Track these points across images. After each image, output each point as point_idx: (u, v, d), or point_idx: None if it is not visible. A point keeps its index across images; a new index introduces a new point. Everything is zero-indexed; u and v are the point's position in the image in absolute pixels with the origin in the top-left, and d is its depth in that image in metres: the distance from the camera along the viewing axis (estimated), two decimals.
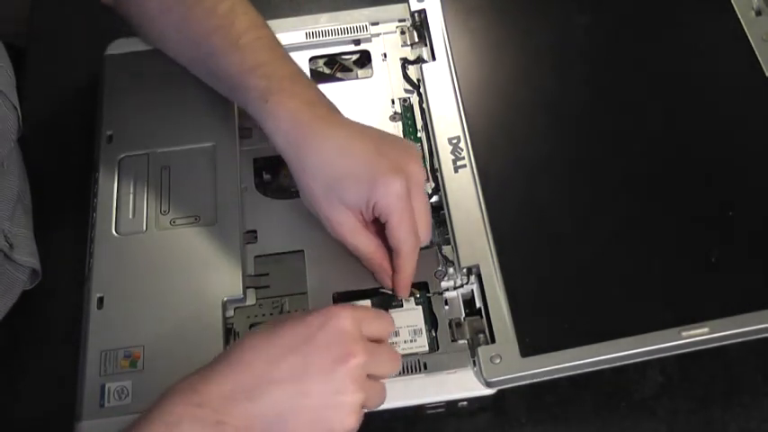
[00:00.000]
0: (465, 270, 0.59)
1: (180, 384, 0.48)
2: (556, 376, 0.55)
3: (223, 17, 0.60)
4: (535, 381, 0.55)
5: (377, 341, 0.52)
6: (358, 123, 0.59)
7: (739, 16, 0.67)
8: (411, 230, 0.56)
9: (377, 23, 0.73)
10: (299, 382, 0.48)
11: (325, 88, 0.62)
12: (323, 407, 0.48)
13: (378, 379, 0.52)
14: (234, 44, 0.59)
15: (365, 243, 0.58)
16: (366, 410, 0.51)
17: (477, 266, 0.59)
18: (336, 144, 0.56)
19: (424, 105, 0.67)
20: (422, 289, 0.60)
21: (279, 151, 0.59)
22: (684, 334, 0.54)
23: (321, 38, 0.72)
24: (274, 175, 0.67)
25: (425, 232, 0.59)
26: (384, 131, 0.61)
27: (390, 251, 0.58)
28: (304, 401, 0.48)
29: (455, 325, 0.59)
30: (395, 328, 0.56)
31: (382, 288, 0.60)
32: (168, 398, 0.47)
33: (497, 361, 0.55)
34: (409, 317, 0.59)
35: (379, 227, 0.58)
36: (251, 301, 0.60)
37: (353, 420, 0.49)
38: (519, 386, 0.55)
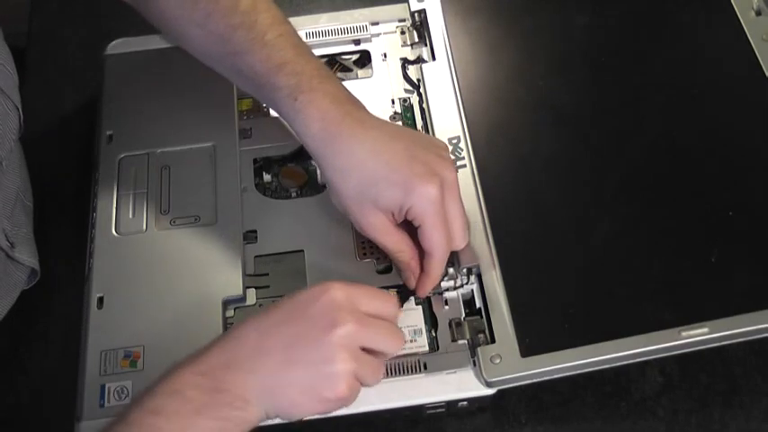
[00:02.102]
0: (465, 270, 0.59)
1: (183, 359, 0.50)
2: (556, 376, 0.55)
3: (246, 14, 0.59)
4: (535, 381, 0.55)
5: (379, 318, 0.52)
6: (388, 123, 0.59)
7: (739, 16, 0.67)
8: (444, 235, 0.56)
9: (377, 23, 0.73)
10: (289, 352, 0.49)
11: None
12: (313, 375, 0.49)
13: (376, 355, 0.52)
14: (259, 41, 0.59)
15: (395, 242, 0.57)
16: (364, 386, 0.51)
17: (477, 266, 0.59)
18: (369, 146, 0.56)
19: (424, 105, 0.67)
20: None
21: (308, 150, 0.58)
22: (684, 334, 0.54)
23: (321, 38, 0.72)
24: (274, 176, 0.67)
25: (460, 236, 0.58)
26: (416, 131, 0.61)
27: (421, 251, 0.58)
28: (295, 370, 0.49)
29: (455, 325, 0.59)
30: (398, 309, 0.55)
31: (384, 287, 0.60)
32: (173, 370, 0.49)
33: (497, 361, 0.55)
34: (409, 317, 0.59)
35: (410, 226, 0.58)
36: (251, 301, 0.60)
37: (345, 389, 0.49)
38: (519, 386, 0.55)
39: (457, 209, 0.57)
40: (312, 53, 0.60)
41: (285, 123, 0.60)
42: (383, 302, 0.53)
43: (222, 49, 0.60)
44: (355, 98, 0.59)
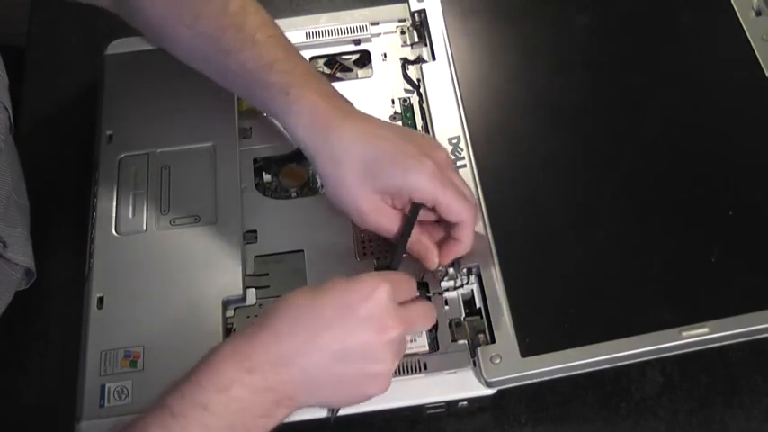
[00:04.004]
0: (465, 270, 0.59)
1: (226, 348, 0.50)
2: (556, 376, 0.55)
3: (235, 15, 0.60)
4: (535, 381, 0.55)
5: (414, 302, 0.54)
6: (374, 117, 0.59)
7: (739, 16, 0.67)
8: (463, 199, 0.56)
9: (377, 23, 0.73)
10: (340, 352, 0.50)
11: None
12: (360, 375, 0.51)
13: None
14: (249, 40, 0.60)
15: (396, 224, 0.57)
16: None
17: (478, 266, 0.59)
18: (360, 134, 0.57)
19: (424, 105, 0.67)
20: (422, 289, 0.60)
21: (300, 145, 0.58)
22: (684, 334, 0.54)
23: (321, 38, 0.72)
24: (274, 176, 0.67)
25: (473, 199, 0.59)
26: (403, 127, 0.62)
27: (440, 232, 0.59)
28: (344, 369, 0.50)
29: (455, 325, 0.59)
30: (416, 284, 0.56)
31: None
32: (218, 361, 0.49)
33: (497, 361, 0.55)
34: None
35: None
36: (251, 300, 0.60)
37: (387, 386, 0.52)
38: (519, 386, 0.55)
39: (459, 178, 0.58)
40: (301, 54, 0.61)
41: (275, 121, 0.60)
42: (410, 285, 0.55)
43: (212, 49, 0.61)
44: (343, 96, 0.60)
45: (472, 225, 0.57)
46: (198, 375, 0.49)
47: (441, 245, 0.59)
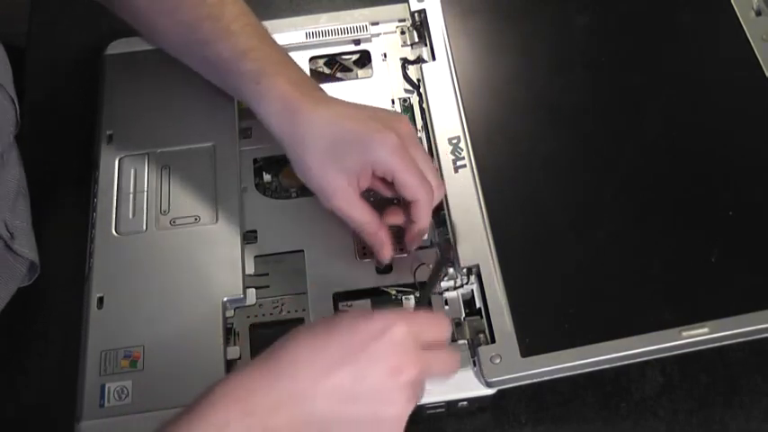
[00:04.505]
0: (465, 270, 0.59)
1: (226, 385, 0.47)
2: (556, 376, 0.55)
3: (213, 5, 0.62)
4: (535, 381, 0.55)
5: (437, 345, 0.51)
6: (346, 101, 0.60)
7: (739, 16, 0.67)
8: (420, 177, 0.57)
9: (377, 23, 0.73)
10: (349, 394, 0.47)
11: (326, 88, 0.62)
12: (370, 419, 0.47)
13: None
14: (226, 30, 0.61)
15: (360, 212, 0.58)
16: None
17: (477, 266, 0.59)
18: (327, 117, 0.57)
19: (424, 105, 0.67)
20: (422, 289, 0.60)
21: (271, 132, 0.59)
22: (684, 334, 0.54)
23: (321, 38, 0.72)
24: (274, 176, 0.67)
25: (436, 182, 0.59)
26: (374, 107, 0.62)
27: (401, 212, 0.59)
28: (352, 412, 0.47)
29: (455, 325, 0.59)
30: (451, 328, 0.53)
31: (384, 287, 0.60)
32: (217, 399, 0.46)
33: (497, 361, 0.55)
34: None
35: (375, 202, 0.59)
36: (251, 301, 0.60)
37: (402, 427, 0.48)
38: (519, 386, 0.55)
39: (422, 155, 0.58)
40: (276, 43, 0.63)
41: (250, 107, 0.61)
42: (440, 328, 0.51)
43: (190, 38, 0.63)
44: (314, 83, 0.62)
45: (428, 204, 0.58)
46: (196, 411, 0.46)
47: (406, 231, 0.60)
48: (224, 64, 0.61)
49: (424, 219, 0.58)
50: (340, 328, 0.48)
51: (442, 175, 0.62)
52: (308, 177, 0.58)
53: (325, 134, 0.57)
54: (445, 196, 0.61)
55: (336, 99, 0.60)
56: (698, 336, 0.54)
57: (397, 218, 0.60)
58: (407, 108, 0.69)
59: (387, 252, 0.59)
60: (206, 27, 0.61)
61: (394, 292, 0.60)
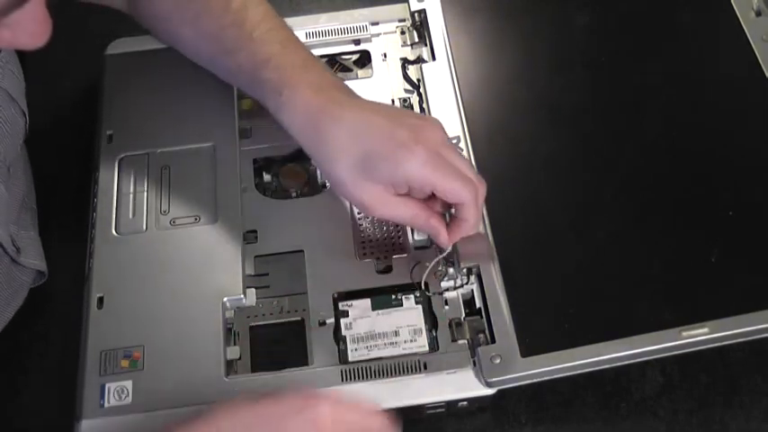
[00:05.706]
0: (465, 270, 0.59)
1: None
2: (556, 376, 0.55)
3: (237, 12, 0.60)
4: (535, 381, 0.55)
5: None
6: (370, 101, 0.59)
7: (739, 16, 0.67)
8: (460, 180, 0.55)
9: (377, 23, 0.73)
10: None
11: None
12: None
13: None
14: (247, 38, 0.59)
15: (404, 210, 0.57)
16: None
17: (477, 266, 0.59)
18: (351, 125, 0.56)
19: (424, 105, 0.67)
20: (422, 289, 0.60)
21: (299, 144, 0.59)
22: (684, 334, 0.54)
23: (321, 38, 0.72)
24: (274, 176, 0.67)
25: (474, 175, 0.57)
26: (397, 107, 0.61)
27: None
28: None
29: (455, 325, 0.59)
30: (380, 424, 0.49)
31: (384, 287, 0.60)
32: None
33: (497, 361, 0.55)
34: (409, 316, 0.59)
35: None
36: (251, 301, 0.60)
37: None
38: (519, 386, 0.55)
39: (456, 156, 0.57)
40: (300, 45, 0.61)
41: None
42: (365, 421, 0.49)
43: (213, 49, 0.61)
44: (338, 81, 0.60)
45: (474, 203, 0.56)
46: None
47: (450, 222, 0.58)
48: (246, 75, 0.60)
49: (472, 216, 0.57)
50: (270, 396, 0.48)
51: None
52: (343, 192, 0.58)
53: (351, 151, 0.55)
54: None
55: (361, 101, 0.58)
56: (698, 336, 0.54)
57: (444, 204, 0.58)
58: (407, 108, 0.69)
59: (443, 238, 0.58)
60: (228, 36, 0.60)
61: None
